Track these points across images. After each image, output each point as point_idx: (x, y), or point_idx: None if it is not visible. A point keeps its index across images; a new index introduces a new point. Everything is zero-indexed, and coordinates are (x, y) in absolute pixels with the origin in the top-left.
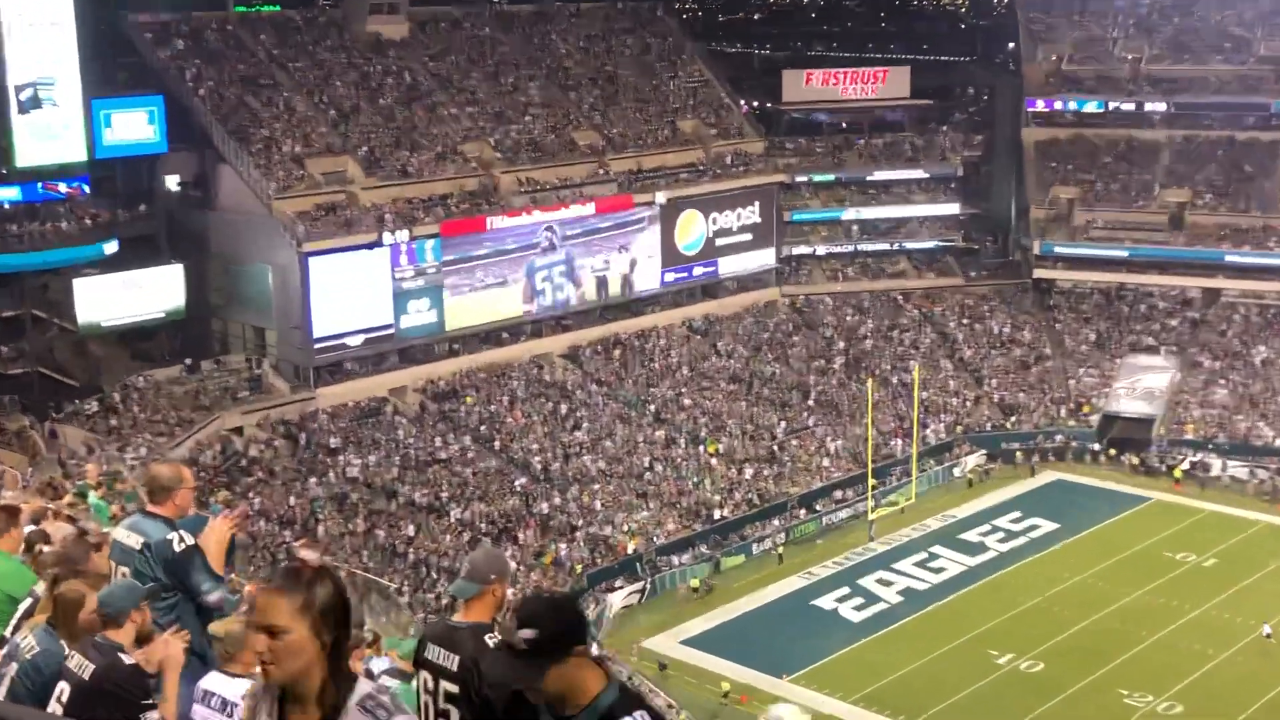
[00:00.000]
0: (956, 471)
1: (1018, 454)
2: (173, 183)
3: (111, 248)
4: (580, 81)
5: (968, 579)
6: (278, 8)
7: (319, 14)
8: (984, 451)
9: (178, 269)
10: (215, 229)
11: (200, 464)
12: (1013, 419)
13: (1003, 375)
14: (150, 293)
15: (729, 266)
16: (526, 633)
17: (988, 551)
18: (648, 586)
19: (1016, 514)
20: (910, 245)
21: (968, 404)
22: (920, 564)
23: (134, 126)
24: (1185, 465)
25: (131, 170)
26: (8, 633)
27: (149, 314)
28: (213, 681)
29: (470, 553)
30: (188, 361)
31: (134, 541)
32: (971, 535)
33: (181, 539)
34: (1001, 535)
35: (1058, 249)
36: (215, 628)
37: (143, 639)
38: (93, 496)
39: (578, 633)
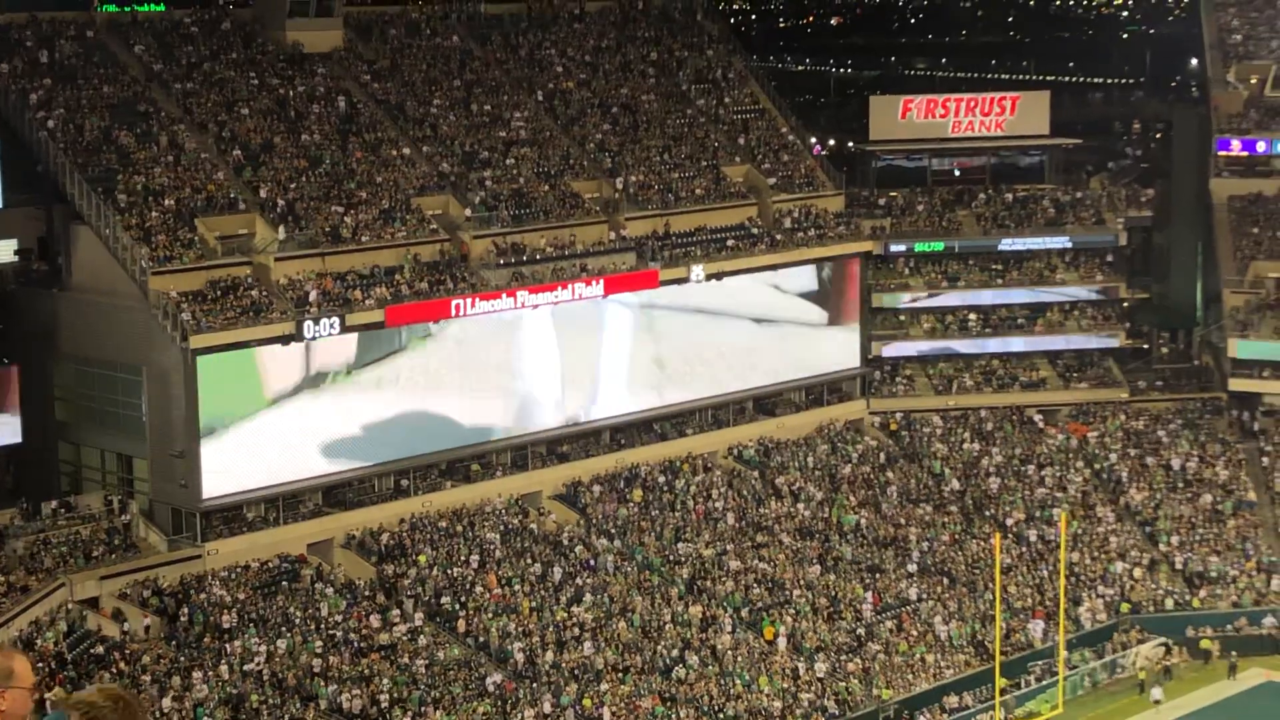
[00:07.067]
0: (1123, 668)
1: (1208, 644)
2: (7, 251)
3: None
4: (585, 110)
5: None
6: (161, 7)
7: (219, 16)
8: (1162, 641)
9: (10, 373)
10: (66, 317)
11: (37, 650)
12: (1202, 594)
13: (1187, 530)
14: None
15: (794, 370)
16: None
17: None
18: None
19: None
20: (1053, 344)
21: (1137, 571)
22: None
23: None
24: None
25: None
26: None
27: None
28: None
29: None
30: (22, 504)
31: None
32: None
33: None
34: None
35: (1262, 351)
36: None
37: None
38: None
39: None
